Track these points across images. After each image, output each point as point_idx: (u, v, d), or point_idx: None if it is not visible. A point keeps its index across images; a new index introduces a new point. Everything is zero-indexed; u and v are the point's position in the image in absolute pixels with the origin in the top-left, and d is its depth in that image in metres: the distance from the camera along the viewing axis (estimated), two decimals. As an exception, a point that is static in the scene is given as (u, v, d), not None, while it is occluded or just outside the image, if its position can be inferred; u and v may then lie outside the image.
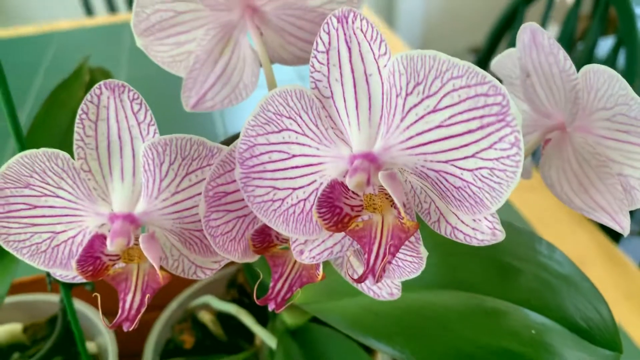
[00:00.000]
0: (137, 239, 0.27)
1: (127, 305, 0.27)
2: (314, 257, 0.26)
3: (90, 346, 0.50)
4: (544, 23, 1.39)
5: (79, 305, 0.49)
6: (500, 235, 0.23)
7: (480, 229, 0.24)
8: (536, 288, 0.34)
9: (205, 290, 0.50)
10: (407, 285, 0.35)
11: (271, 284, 0.29)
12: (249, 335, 0.48)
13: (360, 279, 0.24)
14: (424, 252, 0.26)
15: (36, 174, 0.26)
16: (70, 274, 0.29)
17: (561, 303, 0.34)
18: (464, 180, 0.22)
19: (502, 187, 0.22)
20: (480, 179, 0.22)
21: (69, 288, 0.36)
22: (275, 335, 0.43)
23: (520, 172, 0.21)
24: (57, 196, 0.26)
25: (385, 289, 0.29)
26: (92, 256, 0.27)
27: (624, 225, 0.27)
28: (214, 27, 0.29)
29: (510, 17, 1.38)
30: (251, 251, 0.28)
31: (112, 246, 0.25)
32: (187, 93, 0.31)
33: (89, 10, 1.73)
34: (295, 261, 0.29)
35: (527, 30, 0.26)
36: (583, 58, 1.24)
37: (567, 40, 1.30)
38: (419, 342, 0.32)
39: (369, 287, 0.29)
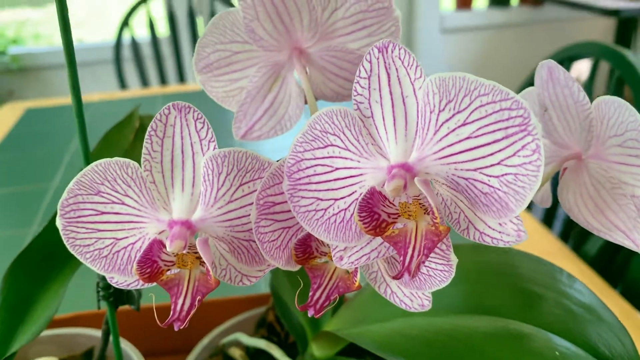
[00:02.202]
0: (191, 246, 0.30)
1: (179, 308, 0.30)
2: (352, 262, 0.29)
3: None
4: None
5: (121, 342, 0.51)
6: (524, 236, 0.26)
7: (506, 231, 0.26)
8: (558, 313, 0.35)
9: (235, 328, 0.52)
10: (436, 311, 0.37)
11: (310, 293, 0.31)
12: (278, 373, 0.49)
13: (397, 276, 0.26)
14: (454, 260, 0.28)
15: (107, 181, 0.29)
16: (127, 280, 0.32)
17: (583, 329, 0.35)
18: (491, 186, 0.25)
19: (526, 190, 0.24)
20: (505, 184, 0.25)
21: (115, 307, 0.39)
22: (304, 368, 0.44)
23: (542, 176, 0.24)
24: (124, 203, 0.29)
25: (417, 301, 0.31)
26: (150, 259, 0.29)
27: (638, 243, 0.29)
28: (264, 66, 0.34)
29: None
30: (293, 261, 0.31)
31: (170, 247, 0.28)
32: (238, 124, 0.35)
33: (123, 85, 1.83)
34: (333, 273, 0.31)
35: (545, 67, 0.30)
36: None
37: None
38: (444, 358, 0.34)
39: (401, 300, 0.31)
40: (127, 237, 0.30)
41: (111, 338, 0.41)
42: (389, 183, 0.26)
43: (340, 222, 0.29)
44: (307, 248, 0.31)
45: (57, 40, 2.56)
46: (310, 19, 0.32)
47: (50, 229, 0.43)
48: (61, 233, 0.30)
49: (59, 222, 0.30)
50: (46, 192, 1.01)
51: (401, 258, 0.26)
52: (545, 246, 0.79)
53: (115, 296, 0.38)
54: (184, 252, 0.30)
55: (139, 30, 1.98)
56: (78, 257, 0.31)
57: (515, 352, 0.33)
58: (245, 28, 0.32)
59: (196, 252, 0.30)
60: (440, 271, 0.29)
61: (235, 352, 0.49)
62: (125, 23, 1.79)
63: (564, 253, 0.77)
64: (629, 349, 0.36)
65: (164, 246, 0.30)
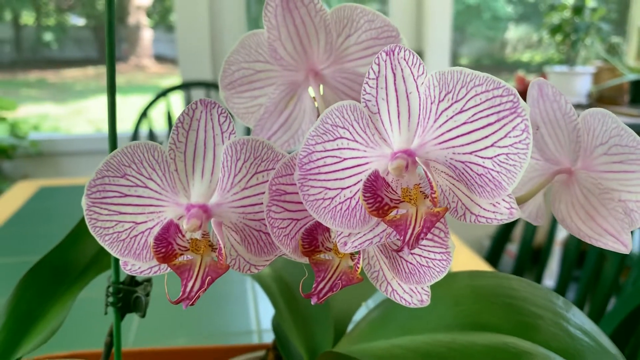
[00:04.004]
0: (204, 234, 0.32)
1: (188, 289, 0.31)
2: (355, 247, 0.31)
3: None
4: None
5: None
6: (517, 214, 0.28)
7: (499, 211, 0.28)
8: (556, 333, 0.36)
9: (234, 368, 0.52)
10: (434, 326, 0.38)
11: (314, 285, 0.32)
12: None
13: (399, 249, 0.28)
14: (452, 246, 0.30)
15: (134, 164, 0.31)
16: (141, 266, 0.33)
17: (580, 349, 0.36)
18: (485, 167, 0.28)
19: (517, 168, 0.27)
20: (498, 164, 0.27)
21: (122, 315, 0.40)
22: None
23: (530, 154, 0.26)
24: (147, 187, 0.32)
25: (416, 296, 0.32)
26: (166, 239, 0.31)
27: (627, 244, 0.31)
28: (282, 84, 0.37)
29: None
30: (300, 252, 0.32)
31: (187, 225, 0.30)
32: (254, 138, 0.38)
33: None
34: (337, 267, 0.33)
35: (535, 85, 0.33)
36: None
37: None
38: (446, 370, 0.34)
39: (401, 297, 0.33)
40: (145, 222, 0.32)
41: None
42: (392, 162, 0.28)
43: (345, 210, 0.31)
44: (314, 241, 0.32)
45: (75, 131, 2.67)
46: (326, 42, 0.36)
47: (64, 247, 0.45)
48: (84, 213, 0.32)
49: (84, 202, 0.32)
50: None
51: (401, 238, 0.28)
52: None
53: (123, 302, 0.39)
54: (198, 237, 0.32)
55: (158, 122, 2.08)
56: (97, 238, 0.32)
57: (513, 364, 0.34)
58: (269, 47, 0.36)
59: (209, 240, 0.32)
60: (439, 260, 0.30)
61: (233, 387, 0.48)
62: (143, 114, 1.88)
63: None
64: (626, 375, 0.36)
65: (180, 231, 0.32)
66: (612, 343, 0.38)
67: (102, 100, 3.09)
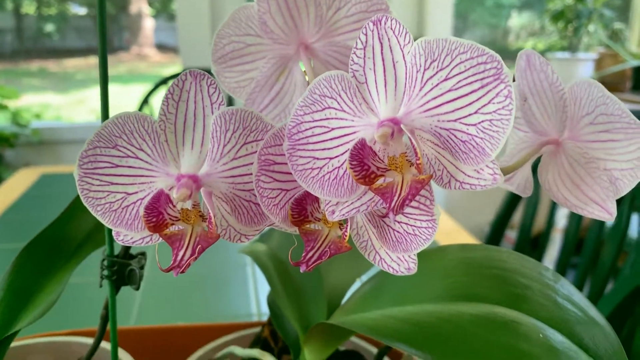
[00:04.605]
0: (195, 204, 0.32)
1: (179, 258, 0.32)
2: (343, 215, 0.31)
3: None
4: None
5: (108, 345, 0.51)
6: (500, 179, 0.28)
7: (483, 177, 0.28)
8: (544, 303, 0.37)
9: (229, 344, 0.52)
10: (425, 298, 0.38)
11: (303, 254, 0.33)
12: (269, 386, 0.49)
13: (384, 215, 0.28)
14: (437, 213, 0.30)
15: (125, 134, 0.32)
16: (133, 236, 0.34)
17: (568, 320, 0.36)
18: (470, 134, 0.28)
19: (500, 134, 0.27)
20: (482, 131, 0.27)
21: (117, 288, 0.40)
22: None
23: (513, 120, 0.27)
24: (137, 157, 0.32)
25: (404, 265, 0.33)
26: (157, 209, 0.32)
27: (612, 212, 0.31)
28: (273, 57, 0.37)
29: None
30: (289, 221, 0.33)
31: (177, 193, 0.31)
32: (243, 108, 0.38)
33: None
34: (326, 237, 0.33)
35: (523, 55, 0.33)
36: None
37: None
38: (436, 340, 0.34)
39: (389, 265, 0.33)
40: (137, 192, 0.33)
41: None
42: (378, 130, 0.28)
43: (334, 179, 0.31)
44: (303, 211, 0.33)
45: (77, 119, 2.67)
46: (316, 15, 0.36)
47: (59, 224, 0.46)
48: (77, 184, 0.32)
49: (76, 173, 0.32)
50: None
51: (387, 204, 0.29)
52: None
53: (118, 275, 0.40)
54: (189, 207, 0.32)
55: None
56: (90, 209, 0.33)
57: (502, 333, 0.34)
58: (259, 20, 0.36)
59: (200, 210, 0.32)
60: (425, 228, 0.31)
61: (228, 363, 0.49)
62: (145, 101, 1.89)
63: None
64: (613, 344, 0.37)
65: (171, 201, 0.32)
66: (601, 314, 0.38)
67: (104, 89, 3.09)
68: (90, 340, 0.52)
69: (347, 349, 0.52)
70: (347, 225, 0.32)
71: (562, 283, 0.39)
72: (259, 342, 0.52)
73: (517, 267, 0.39)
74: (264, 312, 0.85)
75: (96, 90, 3.12)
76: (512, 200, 1.53)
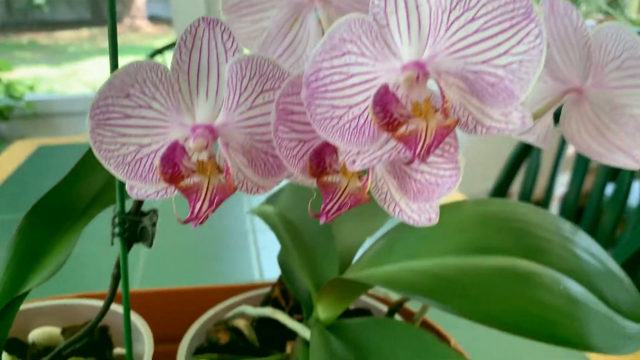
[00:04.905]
0: (211, 156, 0.32)
1: (197, 209, 0.31)
2: (364, 164, 0.30)
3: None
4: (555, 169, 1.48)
5: (118, 307, 0.51)
6: (530, 122, 0.27)
7: (511, 121, 0.28)
8: (563, 255, 0.36)
9: (240, 304, 0.52)
10: (442, 252, 0.38)
11: (322, 206, 0.32)
12: (281, 346, 0.49)
13: (409, 162, 0.27)
14: (462, 160, 0.29)
15: (137, 83, 0.31)
16: (148, 189, 0.33)
17: (587, 270, 0.36)
18: (498, 75, 0.27)
19: (529, 76, 0.26)
20: (511, 72, 0.27)
21: (129, 245, 0.40)
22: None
23: (544, 60, 0.26)
24: (150, 107, 0.31)
25: (424, 215, 0.32)
26: (172, 161, 0.31)
27: (638, 159, 0.31)
28: (287, 5, 0.36)
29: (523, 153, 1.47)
30: (308, 173, 0.32)
31: (193, 144, 0.30)
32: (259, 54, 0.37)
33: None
34: (345, 189, 0.33)
35: (547, 1, 0.32)
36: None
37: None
38: (455, 291, 0.34)
39: (409, 216, 0.32)
40: (150, 144, 0.32)
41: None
42: (402, 74, 0.28)
43: (354, 128, 0.30)
44: (321, 162, 0.32)
45: (70, 92, 2.64)
46: (331, -39, 0.35)
47: (66, 184, 0.45)
48: (89, 135, 0.31)
49: (87, 124, 0.31)
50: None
51: (411, 152, 0.28)
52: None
53: (130, 232, 0.39)
54: (204, 159, 0.31)
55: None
56: (103, 161, 0.32)
57: (523, 284, 0.34)
58: (271, -33, 0.35)
59: (216, 162, 0.32)
60: (449, 177, 0.30)
61: (240, 322, 0.49)
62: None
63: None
64: (633, 297, 0.37)
65: (186, 153, 0.31)
66: (616, 263, 0.38)
67: (97, 62, 3.06)
68: (98, 303, 0.52)
69: (357, 307, 0.52)
70: (368, 176, 0.31)
71: (580, 235, 0.38)
72: (269, 301, 0.52)
73: (535, 220, 0.38)
74: (267, 279, 0.85)
75: (89, 63, 3.08)
76: (512, 169, 1.53)
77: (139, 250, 0.91)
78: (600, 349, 0.32)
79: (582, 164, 1.39)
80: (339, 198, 0.32)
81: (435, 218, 0.32)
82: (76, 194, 0.45)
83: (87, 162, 0.45)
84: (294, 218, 0.52)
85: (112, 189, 0.45)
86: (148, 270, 0.85)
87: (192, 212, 0.31)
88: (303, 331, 0.44)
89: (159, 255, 0.91)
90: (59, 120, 2.25)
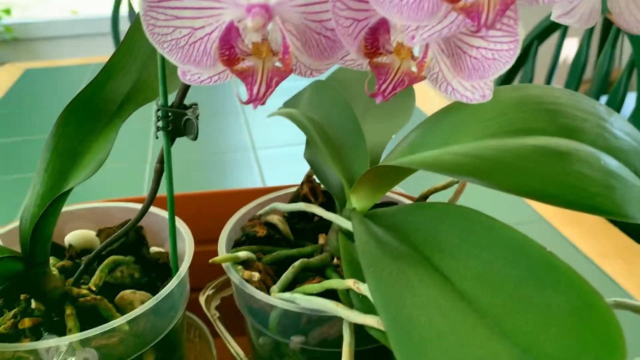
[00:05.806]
0: (264, 38, 0.32)
1: (255, 92, 0.31)
2: (424, 39, 0.31)
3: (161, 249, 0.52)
4: (550, 76, 1.48)
5: (157, 210, 0.52)
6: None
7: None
8: (600, 133, 0.37)
9: (272, 202, 0.53)
10: (479, 136, 0.39)
11: (376, 86, 0.33)
12: (314, 238, 0.50)
13: (476, 30, 0.28)
14: (521, 34, 0.30)
15: (190, -38, 0.30)
16: (202, 74, 0.33)
17: (625, 148, 0.37)
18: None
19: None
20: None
21: (172, 139, 0.40)
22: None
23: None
24: (203, -13, 0.31)
25: (478, 92, 0.33)
26: (229, 42, 0.31)
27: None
28: None
29: (523, 54, 1.47)
30: (362, 52, 0.32)
31: (251, 22, 0.30)
32: None
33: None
34: (398, 69, 0.33)
35: None
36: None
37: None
38: (499, 169, 0.35)
39: (462, 94, 0.33)
40: (203, 27, 0.32)
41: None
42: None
43: (412, 2, 0.30)
44: (375, 42, 0.32)
45: (50, 12, 2.54)
46: None
47: (97, 84, 0.44)
48: (142, 18, 0.31)
49: (140, 5, 0.31)
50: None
51: (476, 22, 0.28)
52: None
53: (173, 126, 0.39)
54: (260, 40, 0.31)
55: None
56: (157, 46, 0.32)
57: (564, 159, 0.35)
58: None
59: (269, 44, 0.32)
60: (507, 51, 0.30)
61: (274, 217, 0.50)
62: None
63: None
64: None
65: (240, 35, 0.31)
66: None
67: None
68: (131, 205, 0.53)
69: (383, 202, 0.54)
70: (425, 53, 0.32)
71: (616, 117, 0.39)
72: (298, 199, 0.53)
73: (572, 102, 0.39)
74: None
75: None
76: (506, 79, 1.53)
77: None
78: (637, 219, 0.34)
79: (575, 75, 1.40)
80: (393, 77, 0.33)
81: (489, 94, 0.33)
82: (108, 93, 0.45)
83: (116, 61, 0.45)
84: (319, 119, 0.52)
85: (145, 88, 0.45)
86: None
87: (251, 94, 0.31)
88: (340, 221, 0.45)
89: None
90: (40, 44, 2.18)
